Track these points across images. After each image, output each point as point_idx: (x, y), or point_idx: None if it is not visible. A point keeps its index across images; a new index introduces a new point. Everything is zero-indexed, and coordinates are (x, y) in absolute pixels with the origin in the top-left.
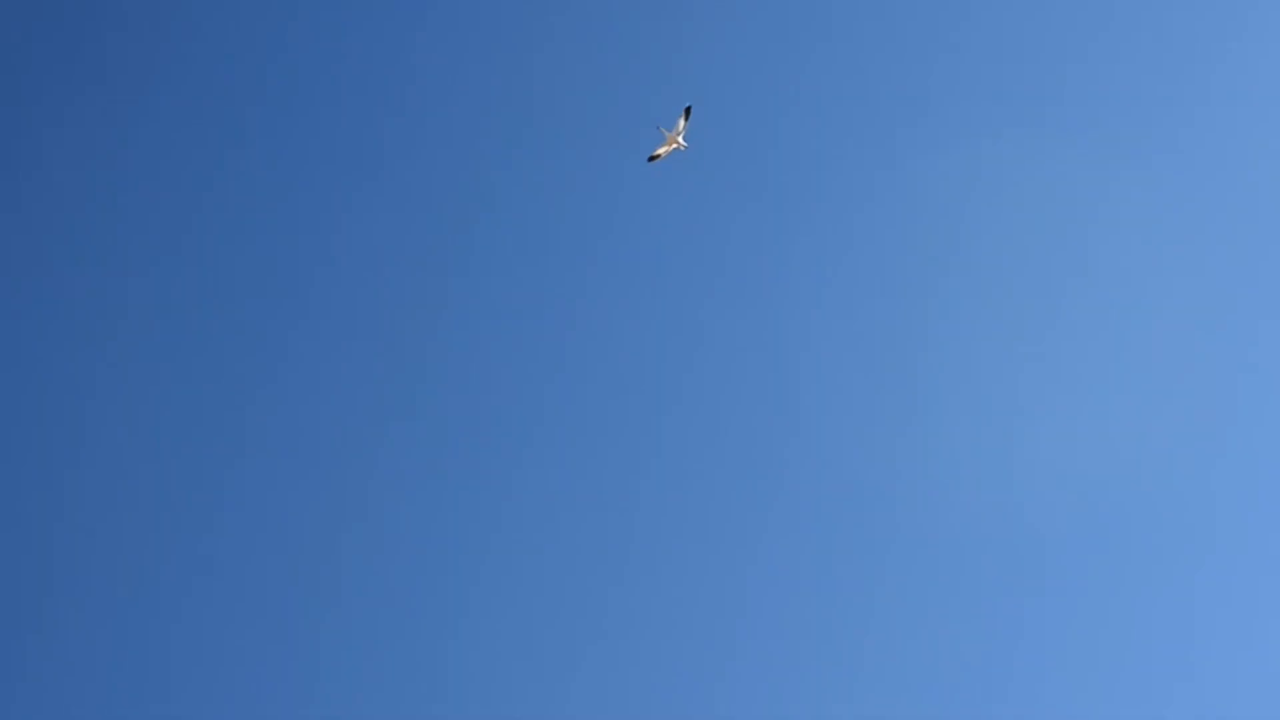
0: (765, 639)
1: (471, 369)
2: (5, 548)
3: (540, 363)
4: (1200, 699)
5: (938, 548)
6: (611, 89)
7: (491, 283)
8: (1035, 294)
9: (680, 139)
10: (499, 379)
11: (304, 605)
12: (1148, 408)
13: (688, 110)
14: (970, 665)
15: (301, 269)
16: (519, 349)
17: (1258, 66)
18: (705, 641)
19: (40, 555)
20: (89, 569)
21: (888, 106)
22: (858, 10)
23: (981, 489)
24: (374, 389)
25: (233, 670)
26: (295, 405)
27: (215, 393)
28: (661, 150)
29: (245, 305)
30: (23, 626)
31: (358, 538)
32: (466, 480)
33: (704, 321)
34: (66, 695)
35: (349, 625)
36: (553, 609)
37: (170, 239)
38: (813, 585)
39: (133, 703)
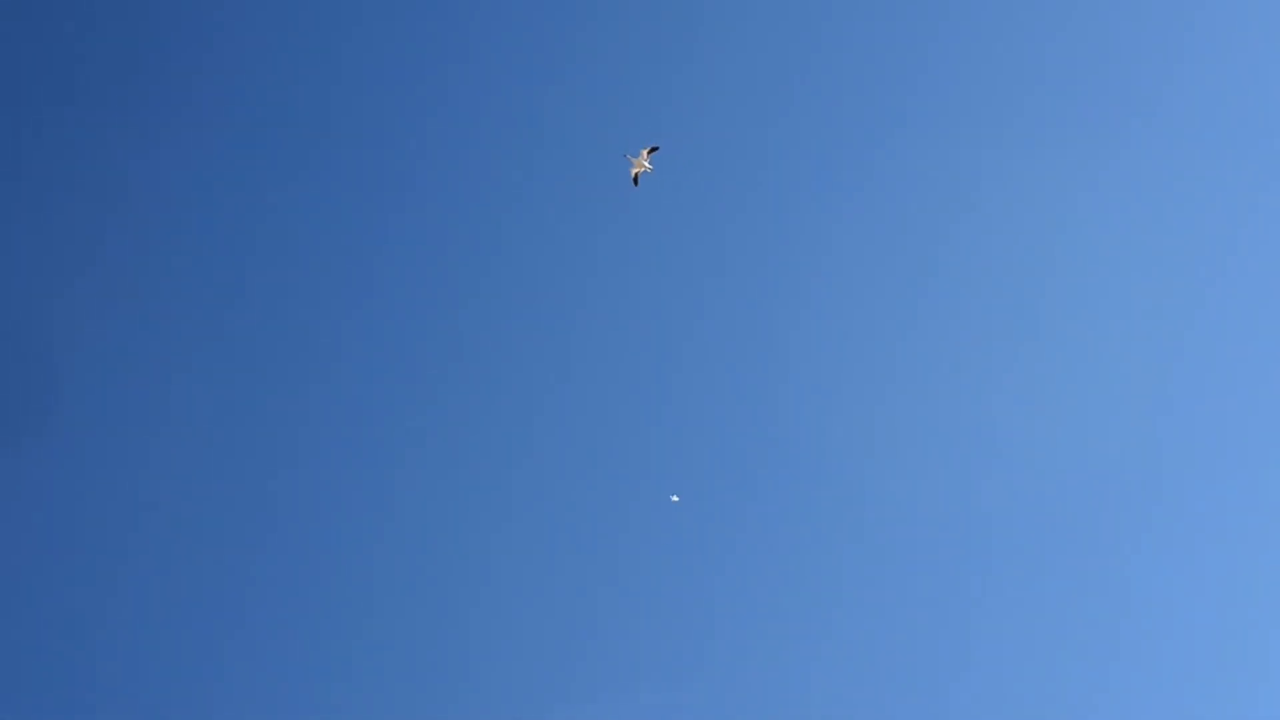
0: (756, 634)
1: (469, 376)
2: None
3: (533, 365)
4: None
5: (920, 543)
6: (609, 90)
7: (489, 287)
8: (1013, 294)
9: (646, 163)
10: (493, 388)
11: (308, 606)
12: (1118, 406)
13: (653, 148)
14: (959, 657)
15: (301, 273)
16: (514, 353)
17: (1232, 78)
18: (702, 637)
19: (45, 558)
20: (98, 572)
21: (871, 109)
22: (843, 15)
23: (961, 484)
24: (374, 392)
25: (241, 672)
26: (298, 408)
27: (221, 396)
28: (632, 174)
29: (246, 309)
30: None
31: (360, 540)
32: (466, 482)
33: (694, 321)
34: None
35: (355, 626)
36: (551, 607)
37: (174, 243)
38: (800, 579)
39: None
